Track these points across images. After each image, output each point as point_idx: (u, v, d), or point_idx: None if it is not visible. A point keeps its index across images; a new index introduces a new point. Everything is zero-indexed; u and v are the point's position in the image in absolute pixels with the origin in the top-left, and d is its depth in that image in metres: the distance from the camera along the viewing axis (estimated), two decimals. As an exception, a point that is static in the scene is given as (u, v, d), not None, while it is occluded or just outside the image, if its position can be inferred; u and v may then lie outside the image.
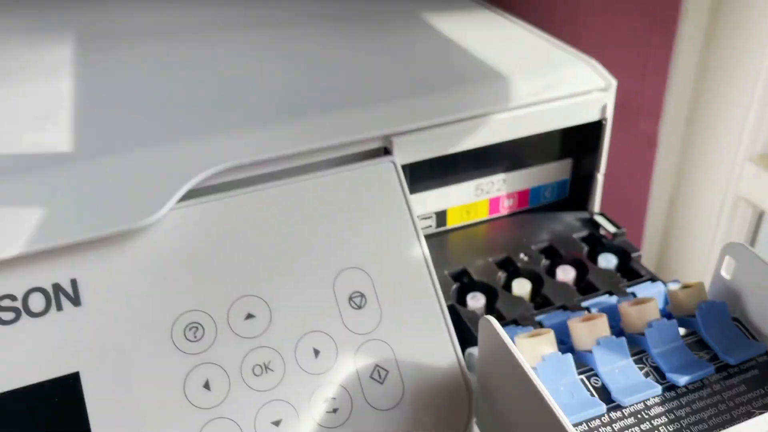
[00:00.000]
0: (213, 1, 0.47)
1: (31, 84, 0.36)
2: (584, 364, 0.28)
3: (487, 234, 0.38)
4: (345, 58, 0.37)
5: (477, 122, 0.33)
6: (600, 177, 0.38)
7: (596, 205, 0.39)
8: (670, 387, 0.27)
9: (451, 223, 0.38)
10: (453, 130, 0.33)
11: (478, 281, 0.34)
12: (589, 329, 0.28)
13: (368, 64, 0.36)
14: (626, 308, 0.29)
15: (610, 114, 0.36)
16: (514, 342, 0.25)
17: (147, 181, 0.28)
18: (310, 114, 0.32)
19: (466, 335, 0.32)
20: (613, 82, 0.35)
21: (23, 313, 0.26)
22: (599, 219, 0.38)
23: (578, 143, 0.38)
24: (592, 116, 0.35)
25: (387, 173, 0.31)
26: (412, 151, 0.32)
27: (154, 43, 0.40)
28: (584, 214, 0.39)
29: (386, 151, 0.32)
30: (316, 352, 0.28)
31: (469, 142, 0.33)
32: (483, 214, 0.39)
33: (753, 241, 0.62)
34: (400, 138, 0.32)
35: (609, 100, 0.35)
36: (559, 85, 0.34)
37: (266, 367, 0.27)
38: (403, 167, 0.32)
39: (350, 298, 0.29)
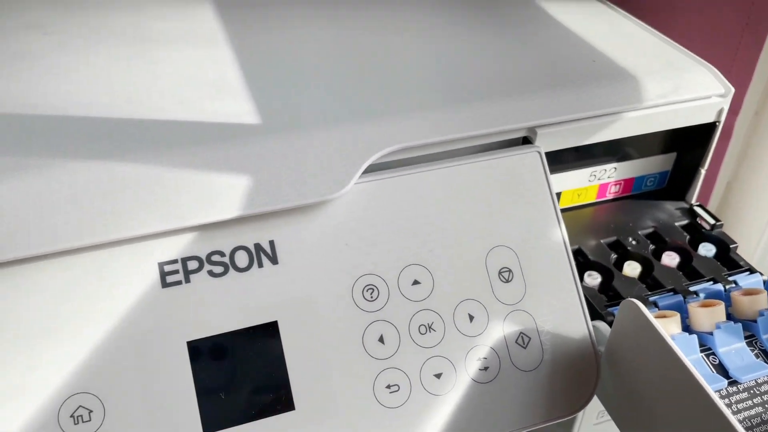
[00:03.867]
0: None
1: (188, 50, 0.39)
2: (702, 344, 0.32)
3: (595, 217, 0.42)
4: (484, 52, 0.40)
5: (611, 118, 0.36)
6: (703, 171, 0.41)
7: (694, 196, 0.42)
8: (779, 369, 0.31)
9: (563, 204, 0.42)
10: (590, 124, 0.36)
11: (594, 261, 0.38)
12: (710, 314, 0.32)
13: (507, 59, 0.39)
14: (739, 297, 0.33)
15: (724, 117, 0.39)
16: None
17: (334, 157, 0.32)
18: (468, 104, 0.35)
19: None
20: (732, 90, 0.38)
21: (230, 268, 0.30)
22: (698, 210, 0.42)
23: (685, 139, 0.42)
24: (708, 118, 0.39)
25: (533, 161, 0.35)
26: (552, 141, 0.36)
27: (298, 16, 0.43)
28: (683, 204, 0.43)
29: (526, 140, 0.36)
30: (471, 317, 0.32)
31: (602, 136, 0.37)
32: (591, 198, 0.42)
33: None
34: (544, 129, 0.35)
35: (726, 104, 0.38)
36: (685, 88, 0.38)
37: (430, 327, 0.32)
38: (542, 155, 0.35)
39: (500, 273, 0.33)
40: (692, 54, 0.40)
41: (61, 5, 0.43)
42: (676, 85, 0.37)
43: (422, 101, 0.35)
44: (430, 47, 0.41)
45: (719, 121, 0.39)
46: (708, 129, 0.40)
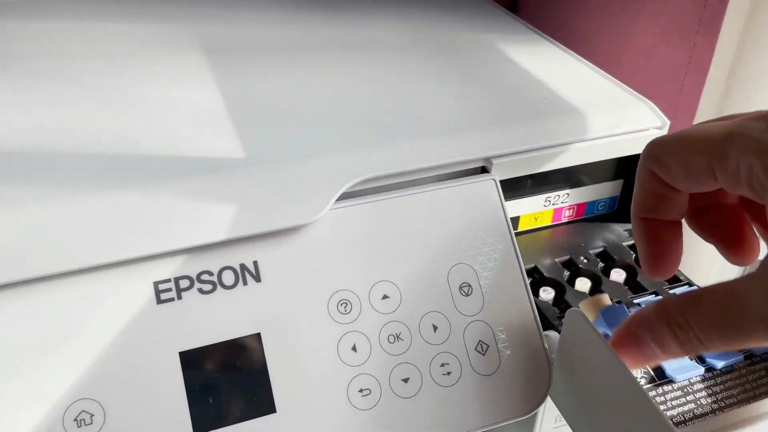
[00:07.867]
0: (314, 22, 0.54)
1: (183, 92, 0.43)
2: (642, 349, 0.36)
3: (551, 238, 0.46)
4: (448, 91, 0.45)
5: (560, 149, 0.41)
6: (647, 196, 0.46)
7: (641, 219, 0.47)
8: (709, 369, 0.35)
9: (522, 227, 0.46)
10: (540, 155, 0.40)
11: (548, 277, 0.42)
12: (647, 322, 0.36)
13: (468, 97, 0.44)
14: (674, 307, 0.37)
15: (662, 147, 0.43)
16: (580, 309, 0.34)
17: (310, 186, 0.36)
18: (431, 137, 0.39)
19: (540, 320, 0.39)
20: (668, 122, 0.43)
21: (218, 286, 0.34)
22: (644, 231, 0.46)
23: (631, 167, 0.46)
24: (648, 148, 0.43)
25: (490, 187, 0.39)
26: (505, 170, 0.40)
27: (281, 60, 0.48)
28: (630, 226, 0.47)
29: (483, 170, 0.40)
30: (435, 328, 0.36)
31: (552, 165, 0.41)
32: (547, 221, 0.47)
33: None
34: (498, 160, 0.39)
35: (663, 136, 0.43)
36: (625, 122, 0.42)
37: (397, 337, 0.35)
38: (498, 183, 0.40)
39: (460, 287, 0.37)
40: (633, 91, 0.45)
41: (60, 56, 0.47)
42: (617, 119, 0.42)
43: (390, 136, 0.39)
44: (399, 88, 0.45)
45: (658, 151, 0.43)
46: (649, 158, 0.44)
